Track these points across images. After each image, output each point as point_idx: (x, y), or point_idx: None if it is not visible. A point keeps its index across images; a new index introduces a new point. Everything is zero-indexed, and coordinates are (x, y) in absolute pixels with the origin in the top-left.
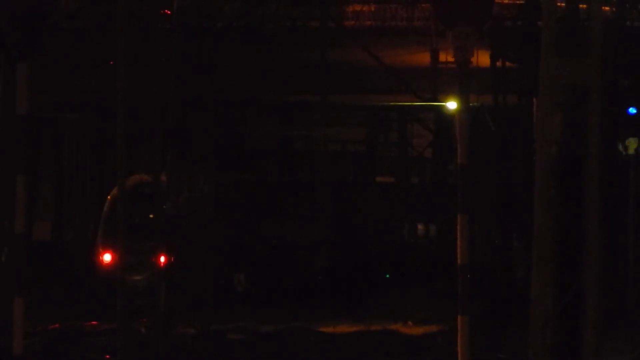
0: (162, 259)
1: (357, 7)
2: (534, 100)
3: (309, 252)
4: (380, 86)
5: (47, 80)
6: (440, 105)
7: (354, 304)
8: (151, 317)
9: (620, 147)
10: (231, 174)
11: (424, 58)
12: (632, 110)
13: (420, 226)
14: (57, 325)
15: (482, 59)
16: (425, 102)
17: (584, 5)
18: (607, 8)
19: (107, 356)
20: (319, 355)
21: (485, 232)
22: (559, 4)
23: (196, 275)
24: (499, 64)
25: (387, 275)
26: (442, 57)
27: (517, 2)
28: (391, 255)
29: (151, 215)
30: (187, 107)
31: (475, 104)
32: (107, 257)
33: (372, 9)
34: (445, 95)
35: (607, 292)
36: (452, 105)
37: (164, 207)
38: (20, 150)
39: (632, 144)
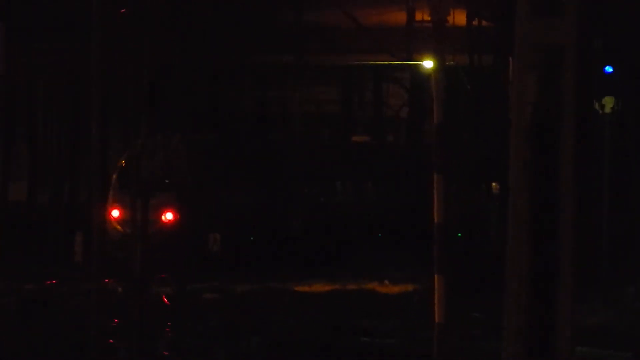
0: (168, 215)
1: None
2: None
3: (284, 212)
4: (355, 46)
5: (22, 41)
6: (416, 64)
7: (330, 265)
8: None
9: (597, 106)
10: (205, 135)
11: (400, 17)
12: (609, 69)
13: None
14: (31, 285)
15: (459, 18)
16: (401, 62)
17: None
18: None
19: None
20: (295, 314)
21: (461, 192)
22: None
23: (171, 234)
24: (475, 23)
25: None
26: (418, 16)
27: None
28: (367, 216)
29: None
30: (162, 68)
31: (451, 63)
32: (115, 213)
33: None
34: (421, 55)
35: (582, 253)
36: (428, 64)
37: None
38: None
39: (608, 102)
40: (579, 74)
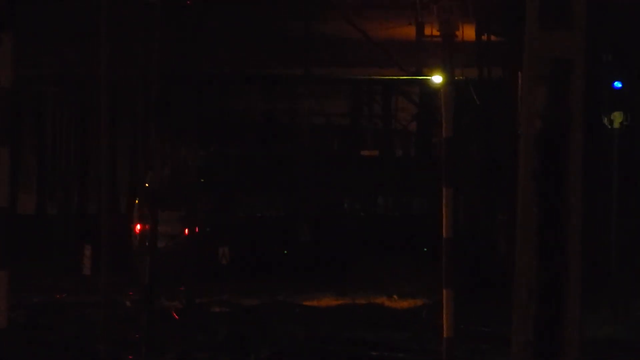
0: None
1: None
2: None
3: (292, 226)
4: (364, 59)
5: (30, 52)
6: (425, 78)
7: (338, 278)
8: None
9: (606, 121)
10: (214, 147)
11: (409, 31)
12: (618, 84)
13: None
14: (41, 298)
15: (467, 32)
16: (410, 76)
17: None
18: None
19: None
20: (303, 328)
21: (470, 206)
22: None
23: (181, 248)
24: (484, 37)
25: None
26: (428, 30)
27: None
28: (375, 229)
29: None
30: (170, 79)
31: (461, 77)
32: (139, 228)
33: None
34: (430, 69)
35: (591, 264)
36: (437, 78)
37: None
38: (3, 123)
39: (617, 117)
40: (588, 89)
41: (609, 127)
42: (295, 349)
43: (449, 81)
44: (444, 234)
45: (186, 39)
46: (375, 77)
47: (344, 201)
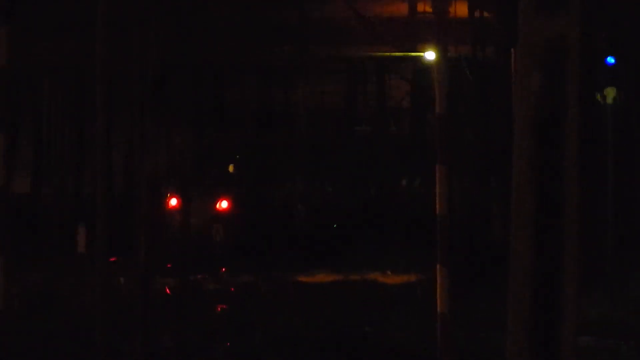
0: (223, 203)
1: None
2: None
3: (287, 203)
4: (357, 38)
5: (26, 42)
6: (418, 56)
7: (333, 256)
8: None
9: (599, 97)
10: (208, 127)
11: (402, 9)
12: (610, 60)
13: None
14: (36, 276)
15: (461, 9)
16: (403, 53)
17: None
18: None
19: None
20: (298, 304)
21: (464, 184)
22: None
23: (175, 226)
24: (477, 14)
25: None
26: (420, 7)
27: None
28: (370, 208)
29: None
30: (166, 67)
31: (454, 55)
32: (173, 202)
33: None
34: (423, 46)
35: (587, 245)
36: (430, 56)
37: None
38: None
39: (610, 93)
40: (580, 65)
41: (602, 103)
42: (289, 326)
43: (442, 58)
44: (438, 210)
45: (182, 27)
46: (368, 54)
47: (339, 179)
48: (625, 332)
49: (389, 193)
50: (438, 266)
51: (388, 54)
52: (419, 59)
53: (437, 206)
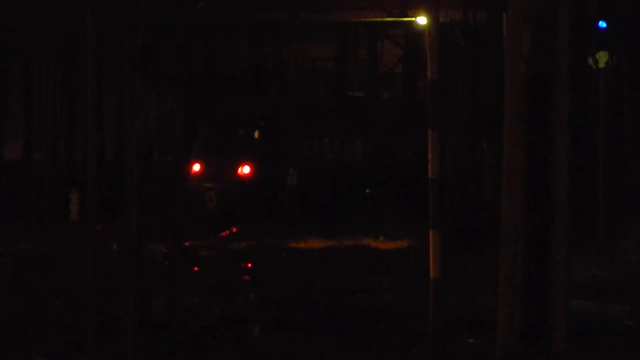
0: (245, 169)
1: None
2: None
3: (279, 169)
4: (349, 3)
5: (16, 6)
6: (410, 20)
7: (326, 221)
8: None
9: (591, 61)
10: (201, 94)
11: None
12: (602, 24)
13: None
14: (28, 244)
15: None
16: (395, 18)
17: None
18: None
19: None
20: (290, 270)
21: (456, 150)
22: None
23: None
24: None
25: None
26: None
27: None
28: (363, 172)
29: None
30: (156, 29)
31: (446, 19)
32: (196, 167)
33: None
34: (415, 11)
35: (579, 208)
36: (421, 20)
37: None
38: None
39: (602, 57)
40: (572, 30)
41: (594, 67)
42: (282, 292)
43: (434, 23)
44: (430, 175)
45: None
46: (360, 20)
47: (331, 144)
48: (619, 296)
49: (382, 158)
50: (430, 231)
51: (379, 19)
52: (411, 24)
53: (429, 171)
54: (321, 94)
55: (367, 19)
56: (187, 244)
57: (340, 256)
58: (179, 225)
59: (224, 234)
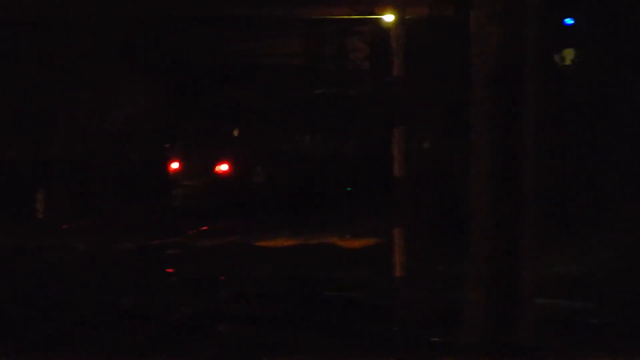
0: (223, 167)
1: None
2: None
3: (247, 165)
4: None
5: None
6: (377, 18)
7: (292, 219)
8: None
9: (557, 58)
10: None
11: None
12: (569, 21)
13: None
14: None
15: None
16: (362, 16)
17: None
18: None
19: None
20: (257, 268)
21: (424, 145)
22: None
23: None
24: None
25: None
26: None
27: None
28: (330, 169)
29: None
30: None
31: (412, 16)
32: (174, 165)
33: None
34: (381, 8)
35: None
36: (388, 18)
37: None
38: None
39: (568, 54)
40: (539, 26)
41: (560, 64)
42: (250, 290)
43: (400, 20)
44: (396, 173)
45: None
46: (328, 16)
47: (297, 141)
48: (586, 292)
49: (352, 155)
50: (396, 229)
51: (346, 16)
52: (378, 21)
53: (395, 168)
54: (289, 89)
55: (333, 16)
56: (155, 242)
57: (308, 254)
58: (149, 222)
59: (192, 232)
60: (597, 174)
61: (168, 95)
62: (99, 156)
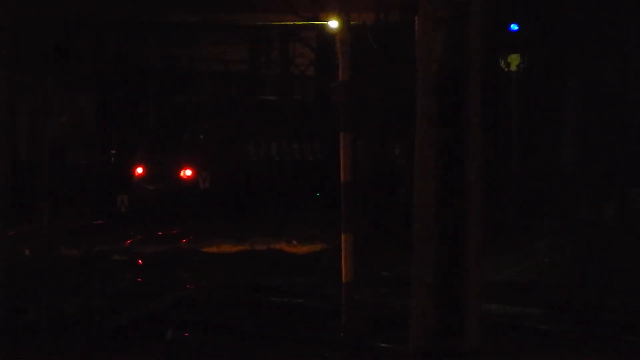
0: (187, 172)
1: None
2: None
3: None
4: (262, 6)
5: None
6: (322, 24)
7: (237, 225)
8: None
9: (503, 64)
10: (112, 94)
11: None
12: (514, 26)
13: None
14: None
15: None
16: (307, 22)
17: None
18: None
19: None
20: (203, 274)
21: (369, 150)
22: None
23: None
24: None
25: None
26: None
27: None
28: (274, 175)
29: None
30: (70, 27)
31: (358, 22)
32: (139, 170)
33: None
34: (326, 15)
35: (492, 210)
36: (333, 24)
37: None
38: None
39: (514, 60)
40: (484, 32)
41: (506, 69)
42: (196, 294)
43: (345, 26)
44: (342, 178)
45: None
46: (272, 23)
47: (243, 147)
48: (531, 297)
49: (296, 160)
50: (342, 235)
51: (291, 22)
52: (323, 27)
53: (342, 173)
54: (234, 95)
55: (278, 22)
56: (99, 248)
57: (254, 260)
58: (92, 228)
59: (137, 238)
60: (542, 179)
61: (112, 101)
62: (43, 162)
